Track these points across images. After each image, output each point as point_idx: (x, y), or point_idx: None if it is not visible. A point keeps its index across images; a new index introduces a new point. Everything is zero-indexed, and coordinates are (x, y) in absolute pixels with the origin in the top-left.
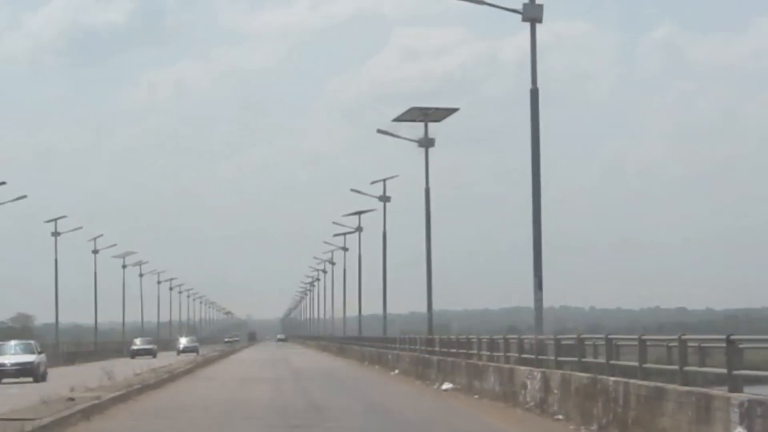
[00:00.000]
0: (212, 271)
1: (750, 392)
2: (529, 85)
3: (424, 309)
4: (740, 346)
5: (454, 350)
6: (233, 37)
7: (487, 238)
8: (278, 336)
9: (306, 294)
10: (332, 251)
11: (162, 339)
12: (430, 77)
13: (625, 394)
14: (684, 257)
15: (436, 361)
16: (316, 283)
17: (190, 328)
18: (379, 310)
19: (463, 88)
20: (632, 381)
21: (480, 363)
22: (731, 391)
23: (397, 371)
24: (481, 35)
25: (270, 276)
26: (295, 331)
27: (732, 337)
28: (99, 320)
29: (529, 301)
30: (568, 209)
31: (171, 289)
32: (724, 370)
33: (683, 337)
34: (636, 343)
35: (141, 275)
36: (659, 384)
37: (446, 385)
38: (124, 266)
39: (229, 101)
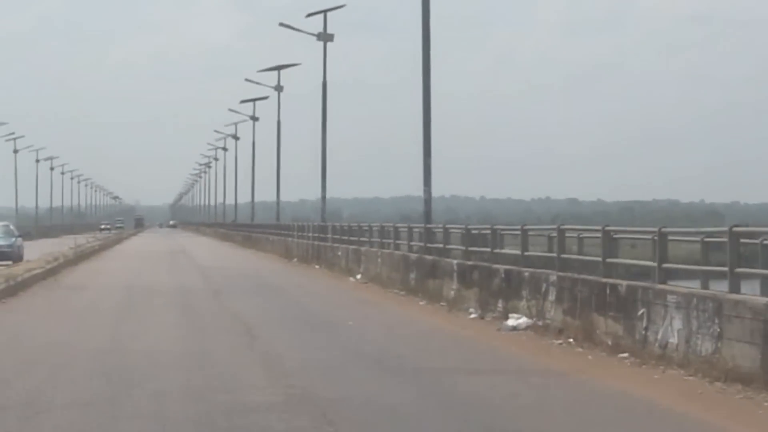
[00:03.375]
0: (101, 155)
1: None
2: None
3: (311, 197)
4: (615, 236)
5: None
6: None
7: (379, 126)
8: (170, 222)
9: (197, 180)
10: (225, 138)
11: (43, 226)
12: None
13: None
14: (575, 150)
15: (455, 267)
16: (207, 170)
17: (79, 215)
18: (267, 198)
19: None
20: None
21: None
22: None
23: (359, 277)
24: None
25: (160, 162)
26: (184, 217)
27: (607, 228)
28: None
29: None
30: (460, 99)
31: (52, 169)
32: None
33: (562, 227)
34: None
35: (15, 151)
36: None
37: (514, 320)
38: (15, 151)
39: None
